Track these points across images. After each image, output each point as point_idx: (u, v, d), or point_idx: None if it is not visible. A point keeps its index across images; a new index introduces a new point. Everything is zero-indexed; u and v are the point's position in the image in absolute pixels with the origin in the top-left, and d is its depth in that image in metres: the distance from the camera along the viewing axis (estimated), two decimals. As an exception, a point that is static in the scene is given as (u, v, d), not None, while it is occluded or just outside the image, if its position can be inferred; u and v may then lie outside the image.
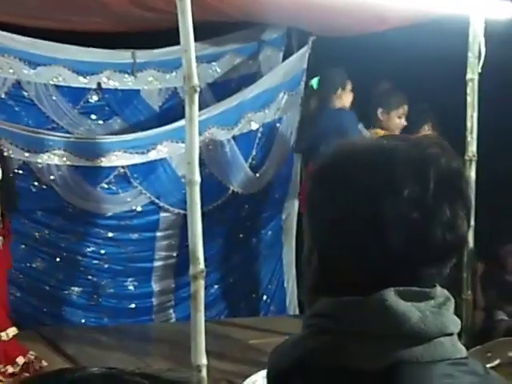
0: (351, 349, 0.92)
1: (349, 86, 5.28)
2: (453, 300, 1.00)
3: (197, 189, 2.96)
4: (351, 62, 5.60)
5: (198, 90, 2.99)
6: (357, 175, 0.98)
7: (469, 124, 4.70)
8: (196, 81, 2.96)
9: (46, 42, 5.73)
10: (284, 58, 6.34)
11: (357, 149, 1.03)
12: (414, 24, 5.22)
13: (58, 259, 5.62)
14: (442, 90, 5.44)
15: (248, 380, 1.15)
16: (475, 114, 4.71)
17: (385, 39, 5.42)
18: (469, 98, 4.66)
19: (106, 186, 5.74)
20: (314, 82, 5.39)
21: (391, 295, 0.93)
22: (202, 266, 3.03)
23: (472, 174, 4.57)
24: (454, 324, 0.97)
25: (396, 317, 0.92)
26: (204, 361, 3.11)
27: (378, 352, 0.92)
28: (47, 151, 5.31)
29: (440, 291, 0.99)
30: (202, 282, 3.03)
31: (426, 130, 5.60)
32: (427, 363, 0.93)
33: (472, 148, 4.67)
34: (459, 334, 0.99)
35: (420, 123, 5.61)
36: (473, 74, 4.66)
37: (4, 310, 4.52)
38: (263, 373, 1.04)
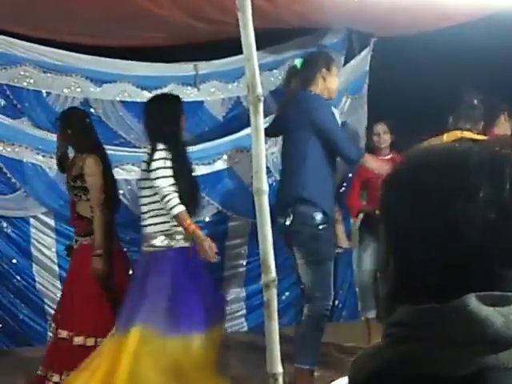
0: (433, 357, 0.91)
1: (335, 70, 4.60)
2: None
3: (265, 198, 2.96)
4: (416, 60, 5.53)
5: (263, 99, 2.99)
6: (431, 179, 0.98)
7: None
8: (260, 90, 2.96)
9: (110, 60, 5.87)
10: (346, 62, 6.31)
11: (429, 153, 1.03)
12: (479, 18, 5.13)
13: (130, 272, 5.71)
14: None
15: (330, 385, 1.14)
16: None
17: (449, 35, 5.33)
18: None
19: (174, 197, 5.81)
20: (298, 62, 4.67)
21: (473, 300, 0.92)
22: (273, 274, 3.02)
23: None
24: None
25: (479, 322, 0.90)
26: (280, 369, 3.10)
27: (462, 359, 0.90)
28: (116, 166, 5.41)
29: None
30: (274, 291, 3.01)
31: (503, 120, 5.48)
32: None
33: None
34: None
35: (496, 114, 5.49)
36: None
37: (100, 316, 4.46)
38: (345, 379, 1.03)
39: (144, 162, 4.28)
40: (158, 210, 4.22)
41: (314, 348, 4.34)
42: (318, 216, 4.21)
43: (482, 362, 0.90)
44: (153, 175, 4.13)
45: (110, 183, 4.66)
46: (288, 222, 4.17)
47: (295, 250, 4.32)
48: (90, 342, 4.33)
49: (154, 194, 4.19)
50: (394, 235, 1.02)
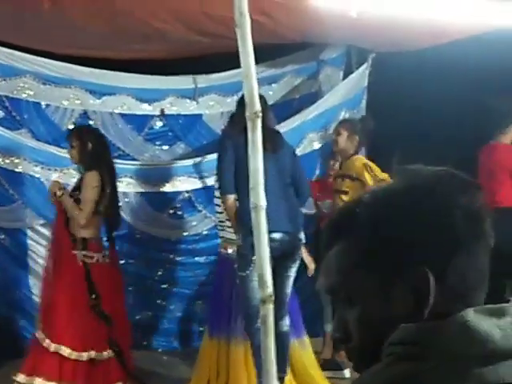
0: (434, 373, 0.91)
1: None
2: None
3: (262, 213, 2.97)
4: (413, 76, 5.54)
5: (260, 115, 3.00)
6: (430, 204, 0.99)
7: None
8: (258, 107, 2.97)
9: (110, 72, 5.88)
10: (344, 77, 6.33)
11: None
12: (476, 35, 5.15)
13: (127, 284, 5.70)
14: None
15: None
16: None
17: (447, 52, 5.35)
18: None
19: (171, 211, 5.83)
20: None
21: (471, 314, 0.92)
22: (270, 289, 3.02)
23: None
24: None
25: (478, 335, 0.90)
26: (275, 385, 3.11)
27: (462, 374, 0.90)
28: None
29: None
30: (271, 306, 3.01)
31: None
32: None
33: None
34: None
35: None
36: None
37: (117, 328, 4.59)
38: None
39: None
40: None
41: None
42: None
43: (482, 376, 0.89)
44: None
45: (112, 202, 4.70)
46: None
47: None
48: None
49: None
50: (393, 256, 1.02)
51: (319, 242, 1.10)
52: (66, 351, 4.42)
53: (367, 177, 4.84)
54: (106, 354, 4.51)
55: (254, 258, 3.95)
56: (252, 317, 4.09)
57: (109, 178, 4.66)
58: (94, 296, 4.49)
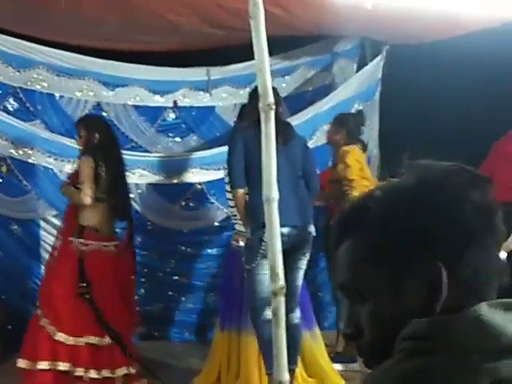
0: (446, 368, 0.90)
1: None
2: None
3: (275, 206, 2.97)
4: (428, 68, 5.52)
5: (274, 107, 3.00)
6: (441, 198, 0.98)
7: None
8: (271, 99, 2.97)
9: (124, 64, 5.89)
10: (358, 69, 6.30)
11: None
12: (492, 27, 5.11)
13: (139, 276, 5.72)
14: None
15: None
16: None
17: (462, 44, 5.32)
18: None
19: (183, 202, 5.83)
20: None
21: (485, 309, 0.92)
22: (282, 282, 3.02)
23: None
24: None
25: (492, 330, 0.90)
26: (286, 377, 3.11)
27: (475, 369, 0.89)
28: (126, 170, 5.42)
29: None
30: (282, 299, 3.01)
31: None
32: None
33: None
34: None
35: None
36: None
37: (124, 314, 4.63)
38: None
39: None
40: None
41: None
42: None
43: (496, 371, 0.88)
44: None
45: (117, 191, 4.70)
46: None
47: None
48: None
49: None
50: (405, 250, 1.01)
51: (329, 237, 1.10)
52: (62, 337, 4.42)
53: (340, 166, 4.94)
54: (108, 339, 4.50)
55: (260, 251, 3.96)
56: (258, 309, 4.09)
57: (116, 169, 4.64)
58: (84, 284, 4.48)
